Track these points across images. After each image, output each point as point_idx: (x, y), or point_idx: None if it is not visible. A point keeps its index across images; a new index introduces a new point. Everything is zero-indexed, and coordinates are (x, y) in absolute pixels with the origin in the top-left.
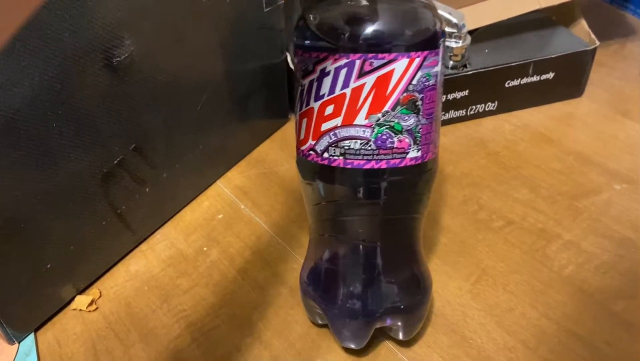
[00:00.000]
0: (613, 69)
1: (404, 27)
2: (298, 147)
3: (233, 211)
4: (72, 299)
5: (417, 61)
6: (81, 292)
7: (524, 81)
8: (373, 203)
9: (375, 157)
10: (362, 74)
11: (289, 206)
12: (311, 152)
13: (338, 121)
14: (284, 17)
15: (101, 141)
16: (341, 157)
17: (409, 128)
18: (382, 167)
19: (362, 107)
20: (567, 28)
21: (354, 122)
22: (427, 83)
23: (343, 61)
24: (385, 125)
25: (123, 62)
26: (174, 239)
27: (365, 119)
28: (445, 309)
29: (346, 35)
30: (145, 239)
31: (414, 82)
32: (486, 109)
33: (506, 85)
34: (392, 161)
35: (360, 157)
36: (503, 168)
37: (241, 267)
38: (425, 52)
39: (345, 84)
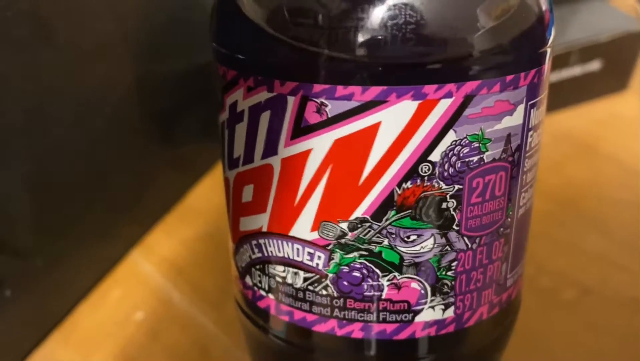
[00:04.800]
0: None
1: (416, 11)
2: None
3: (161, 304)
4: None
5: (445, 105)
6: None
7: (564, 74)
8: None
9: (338, 313)
10: (302, 129)
11: None
12: (233, 261)
13: (262, 220)
14: None
15: None
16: (271, 296)
17: (420, 260)
18: (354, 336)
19: (306, 203)
20: (604, 1)
21: (291, 232)
22: (475, 158)
23: (262, 95)
24: (357, 248)
25: None
26: None
27: (313, 229)
28: None
29: (260, 36)
30: None
31: (435, 157)
32: None
33: None
34: (379, 327)
35: (306, 306)
36: (555, 203)
37: None
38: (475, 83)
39: (271, 148)
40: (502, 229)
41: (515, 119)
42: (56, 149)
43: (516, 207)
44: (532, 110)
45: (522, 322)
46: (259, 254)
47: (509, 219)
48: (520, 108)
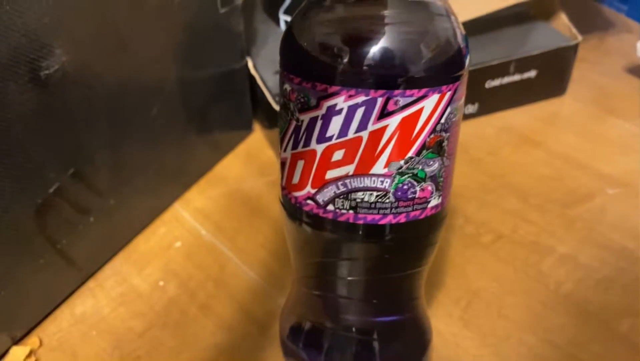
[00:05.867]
0: (595, 64)
1: (435, 52)
2: (288, 191)
3: (193, 237)
4: (7, 351)
5: (448, 95)
6: (18, 342)
7: (505, 80)
8: (381, 260)
9: (393, 210)
10: (384, 114)
11: (255, 228)
12: (309, 201)
13: (349, 169)
14: (242, 18)
15: (32, 168)
16: (351, 211)
17: (432, 174)
18: (400, 221)
19: (382, 153)
20: (546, 22)
21: (371, 172)
22: (454, 119)
23: (360, 98)
24: (407, 173)
25: (53, 75)
26: (125, 273)
27: (385, 167)
28: (435, 340)
29: (366, 67)
30: (92, 275)
31: (443, 120)
32: (466, 112)
33: (486, 85)
34: (413, 213)
35: (375, 211)
36: (489, 176)
37: (203, 303)
38: (457, 83)
39: (362, 126)
40: (454, 154)
41: (462, 100)
42: (126, 125)
43: (456, 143)
44: (464, 96)
45: (447, 256)
46: (344, 189)
47: (455, 149)
48: (463, 95)
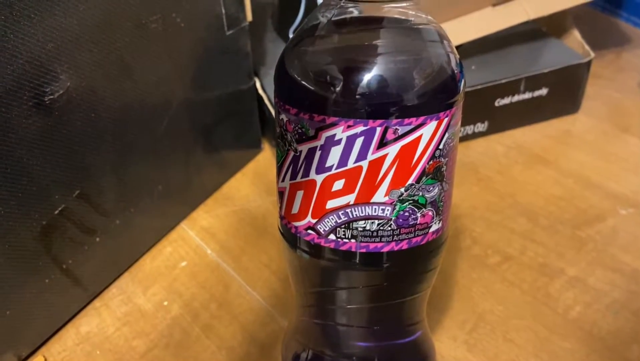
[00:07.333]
0: (610, 80)
1: (429, 79)
2: (288, 221)
3: (198, 257)
4: None
5: (445, 121)
6: (24, 360)
7: (515, 98)
8: (382, 287)
9: (395, 237)
10: (383, 143)
11: (260, 248)
12: (310, 231)
13: (350, 198)
14: (249, 39)
15: (37, 191)
16: (353, 240)
17: (432, 199)
18: (403, 248)
19: (382, 182)
20: (559, 39)
21: (372, 200)
22: (452, 144)
23: (359, 129)
24: (408, 200)
25: (58, 100)
26: (131, 293)
27: (386, 195)
28: None
29: (364, 97)
30: (98, 294)
31: (441, 146)
32: (476, 130)
33: (496, 104)
34: (415, 240)
35: (377, 239)
36: (497, 196)
37: (206, 323)
38: (454, 109)
39: (362, 156)
40: (452, 178)
41: (459, 125)
42: (132, 147)
43: (454, 167)
44: (460, 120)
45: (453, 279)
46: (345, 218)
47: (453, 173)
48: (460, 119)
